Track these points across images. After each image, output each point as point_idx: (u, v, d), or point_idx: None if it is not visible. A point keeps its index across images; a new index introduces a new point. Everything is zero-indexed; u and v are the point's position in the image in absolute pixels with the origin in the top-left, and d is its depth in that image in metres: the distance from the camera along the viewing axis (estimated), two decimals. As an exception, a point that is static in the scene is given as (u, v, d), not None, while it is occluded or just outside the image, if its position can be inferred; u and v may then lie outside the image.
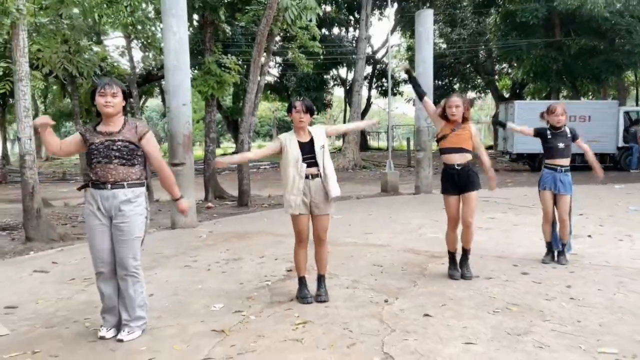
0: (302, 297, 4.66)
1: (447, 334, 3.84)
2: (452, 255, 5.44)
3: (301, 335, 3.89)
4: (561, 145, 5.76)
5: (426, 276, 5.47)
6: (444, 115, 5.28)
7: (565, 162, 5.80)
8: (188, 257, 6.58)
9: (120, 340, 3.83)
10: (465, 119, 5.23)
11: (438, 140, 5.37)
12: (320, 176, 4.54)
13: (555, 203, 5.90)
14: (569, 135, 5.83)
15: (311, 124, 4.70)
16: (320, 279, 4.78)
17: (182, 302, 4.77)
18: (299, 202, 4.50)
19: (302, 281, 4.76)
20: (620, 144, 19.46)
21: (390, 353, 3.52)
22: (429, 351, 3.53)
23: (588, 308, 4.37)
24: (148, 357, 3.56)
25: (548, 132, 5.83)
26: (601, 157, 19.54)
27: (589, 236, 7.25)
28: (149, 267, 5.81)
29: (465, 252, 5.38)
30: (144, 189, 3.94)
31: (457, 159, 5.21)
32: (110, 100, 3.78)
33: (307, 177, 4.51)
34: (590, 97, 30.68)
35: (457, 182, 5.21)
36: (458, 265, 5.40)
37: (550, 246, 5.99)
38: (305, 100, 4.62)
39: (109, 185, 3.79)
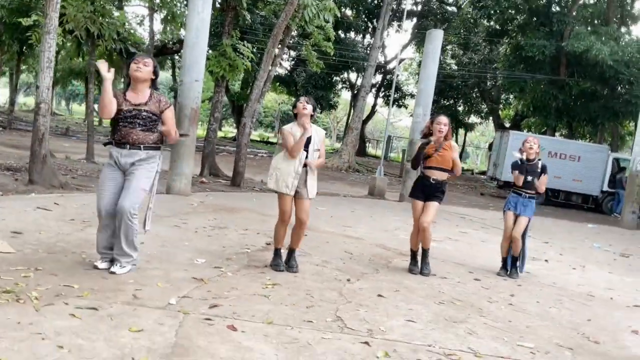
0: (275, 264, 5.26)
1: (394, 311, 4.44)
2: (414, 253, 6.06)
3: (269, 293, 4.48)
4: (529, 178, 6.37)
5: (389, 268, 6.08)
6: (428, 134, 5.89)
7: (530, 191, 6.41)
8: (178, 219, 7.16)
9: (113, 273, 4.41)
10: (445, 138, 5.85)
11: (425, 158, 5.90)
12: (307, 166, 5.14)
13: (514, 223, 6.52)
14: (539, 170, 6.41)
15: (313, 120, 5.27)
16: (292, 252, 5.38)
17: (169, 253, 5.35)
18: (296, 184, 5.11)
19: (277, 252, 5.36)
20: (605, 188, 20.09)
21: (341, 317, 4.11)
22: (374, 320, 4.13)
23: (522, 314, 4.98)
24: (134, 288, 4.13)
25: (519, 162, 6.43)
26: (584, 198, 20.25)
27: (546, 260, 7.86)
28: (140, 222, 6.36)
29: (425, 252, 5.98)
30: (158, 152, 4.59)
31: (436, 175, 5.84)
32: (141, 67, 4.42)
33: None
34: (588, 139, 31.44)
35: (427, 191, 5.85)
36: (418, 262, 6.00)
37: (505, 261, 6.60)
38: (309, 98, 5.26)
39: (128, 146, 4.44)
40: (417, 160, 5.91)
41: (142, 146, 4.45)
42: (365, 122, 34.98)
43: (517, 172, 6.43)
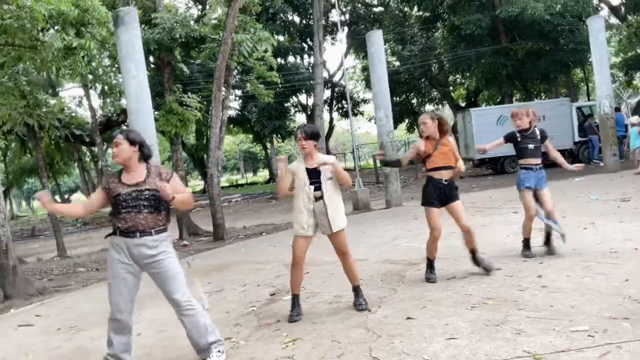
0: (290, 314, 4.82)
1: (430, 332, 4.03)
2: (430, 262, 5.66)
3: (292, 352, 4.03)
4: (531, 146, 6.05)
5: (405, 283, 5.67)
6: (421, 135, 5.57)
7: (537, 160, 6.09)
8: (171, 294, 6.63)
9: None
10: (443, 134, 5.49)
11: (424, 160, 5.58)
12: (323, 198, 4.70)
13: (537, 199, 6.19)
14: (538, 137, 6.12)
15: (317, 147, 4.83)
16: (356, 289, 4.99)
17: (170, 338, 4.85)
18: (312, 222, 4.71)
19: (293, 299, 4.91)
20: (577, 138, 20.15)
21: (378, 357, 3.68)
22: (414, 350, 3.71)
23: (559, 293, 4.62)
24: (145, 392, 3.65)
25: (517, 135, 6.10)
26: (560, 153, 20.22)
27: (554, 228, 7.56)
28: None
29: (474, 252, 5.61)
30: (167, 232, 4.00)
31: (445, 175, 5.46)
32: (115, 150, 3.87)
33: (314, 199, 4.71)
34: (543, 97, 31.73)
35: (442, 194, 5.46)
36: (435, 270, 5.63)
37: (528, 242, 6.24)
38: (306, 127, 4.84)
39: (138, 234, 3.84)
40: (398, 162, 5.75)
41: (153, 231, 3.86)
42: (327, 138, 34.77)
43: (503, 140, 6.17)
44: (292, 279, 4.91)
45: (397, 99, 33.92)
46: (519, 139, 6.11)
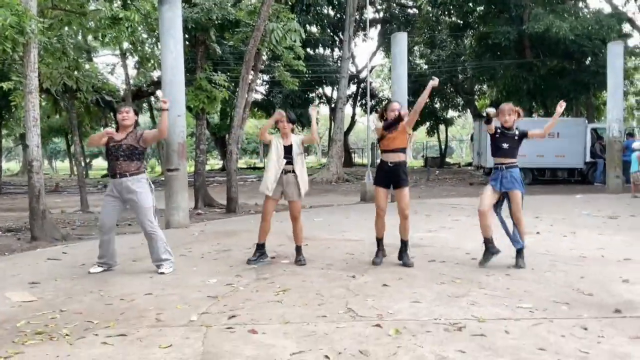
0: (249, 259, 6.32)
1: (399, 296, 4.75)
2: (379, 240, 6.30)
3: (281, 298, 4.77)
4: (505, 145, 6.03)
5: (390, 262, 6.35)
6: (383, 119, 6.15)
7: (508, 160, 5.98)
8: (183, 248, 7.43)
9: (162, 273, 5.76)
10: (401, 119, 5.95)
11: (378, 141, 6.17)
12: (294, 172, 6.10)
13: (508, 201, 6.10)
14: (517, 137, 6.05)
15: (292, 130, 6.30)
16: (298, 248, 6.24)
17: (181, 279, 5.62)
18: (275, 187, 6.06)
19: (257, 247, 6.42)
20: (588, 159, 20.59)
21: (352, 308, 4.41)
22: (382, 306, 4.43)
23: (519, 281, 5.30)
24: (156, 312, 4.41)
25: (498, 130, 6.09)
26: (569, 171, 20.73)
27: (537, 233, 8.19)
28: (147, 256, 6.62)
29: (405, 243, 6.16)
30: (143, 175, 5.82)
31: (391, 158, 6.00)
32: (126, 115, 5.67)
33: (283, 172, 6.07)
34: (565, 114, 32.02)
35: (389, 177, 6.03)
36: (382, 251, 6.33)
37: (488, 242, 6.02)
38: (289, 113, 6.25)
39: (118, 175, 5.72)
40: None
41: (127, 174, 5.68)
42: (347, 133, 35.44)
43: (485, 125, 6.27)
44: (260, 229, 6.37)
45: (420, 101, 34.38)
46: (497, 136, 6.03)
